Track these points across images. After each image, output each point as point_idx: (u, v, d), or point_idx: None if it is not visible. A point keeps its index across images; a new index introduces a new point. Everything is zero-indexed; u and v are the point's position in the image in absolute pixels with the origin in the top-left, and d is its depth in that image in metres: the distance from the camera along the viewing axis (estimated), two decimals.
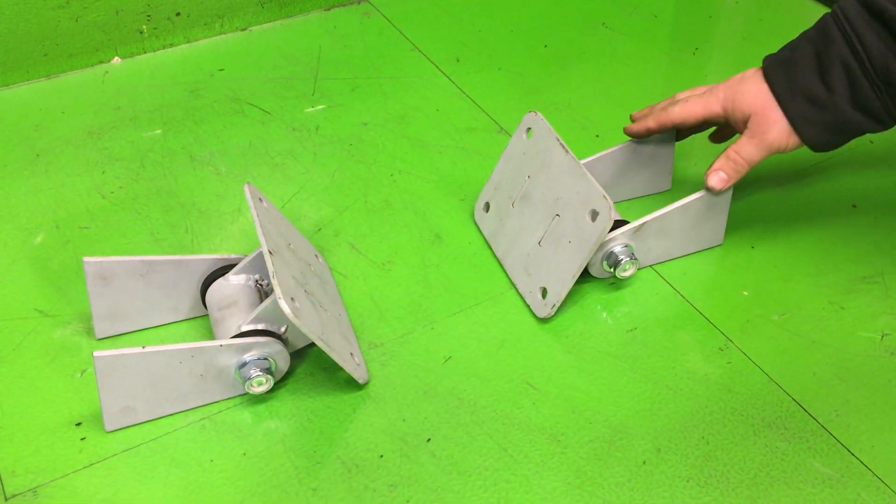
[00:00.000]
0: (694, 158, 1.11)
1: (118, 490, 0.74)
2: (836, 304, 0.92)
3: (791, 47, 0.89)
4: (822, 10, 1.40)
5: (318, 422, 0.80)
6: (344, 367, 0.79)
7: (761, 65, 0.90)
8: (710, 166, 0.90)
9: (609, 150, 0.98)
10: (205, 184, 1.05)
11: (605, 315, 0.91)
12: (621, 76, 1.26)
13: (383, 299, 0.92)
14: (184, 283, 0.86)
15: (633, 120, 1.00)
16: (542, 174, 0.91)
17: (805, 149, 0.90)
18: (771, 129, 0.87)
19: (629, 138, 0.99)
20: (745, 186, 1.06)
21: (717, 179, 0.89)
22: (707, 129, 1.00)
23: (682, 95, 0.96)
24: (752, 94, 0.88)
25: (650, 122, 0.95)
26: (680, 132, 1.00)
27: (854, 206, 1.04)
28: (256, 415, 0.80)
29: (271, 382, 0.79)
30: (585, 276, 0.92)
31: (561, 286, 0.87)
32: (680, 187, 1.06)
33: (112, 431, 0.78)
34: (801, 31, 0.90)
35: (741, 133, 0.90)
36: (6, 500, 0.73)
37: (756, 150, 0.88)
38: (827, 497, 0.75)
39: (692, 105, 0.93)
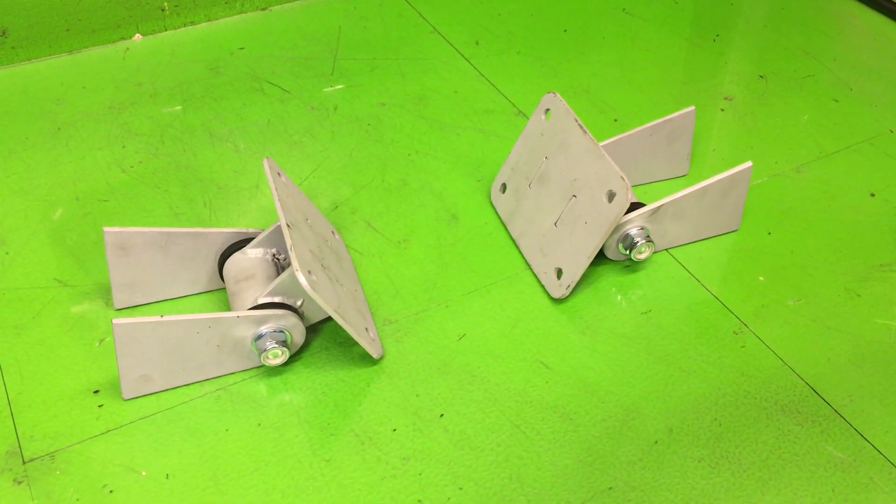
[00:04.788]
0: (712, 143, 1.11)
1: (134, 457, 0.75)
2: (853, 291, 0.92)
3: None
4: None
5: (332, 395, 0.80)
6: (359, 342, 0.80)
7: None
8: None
9: (627, 134, 0.98)
10: (223, 160, 1.06)
11: (619, 297, 0.91)
12: (641, 62, 1.26)
13: (399, 277, 0.92)
14: (202, 255, 0.87)
15: None
16: (559, 155, 0.92)
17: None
18: None
19: (648, 122, 0.98)
20: (762, 173, 1.06)
21: None
22: None
23: None
24: None
25: None
26: None
27: (872, 194, 1.04)
28: (271, 387, 0.81)
29: (287, 355, 0.80)
30: (601, 258, 0.92)
31: (576, 267, 0.88)
32: (697, 172, 1.06)
33: (129, 399, 0.79)
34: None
35: None
36: (24, 463, 0.74)
37: None
38: (839, 481, 0.75)
39: None
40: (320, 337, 0.85)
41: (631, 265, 0.94)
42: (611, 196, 0.85)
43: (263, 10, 1.34)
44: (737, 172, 0.92)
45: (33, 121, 1.11)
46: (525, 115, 1.15)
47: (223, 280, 0.88)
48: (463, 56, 1.26)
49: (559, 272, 0.89)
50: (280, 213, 0.79)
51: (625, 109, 1.16)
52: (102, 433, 0.77)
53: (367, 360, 0.83)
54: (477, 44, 1.28)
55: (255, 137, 1.10)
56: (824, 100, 1.19)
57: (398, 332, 0.86)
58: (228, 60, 1.23)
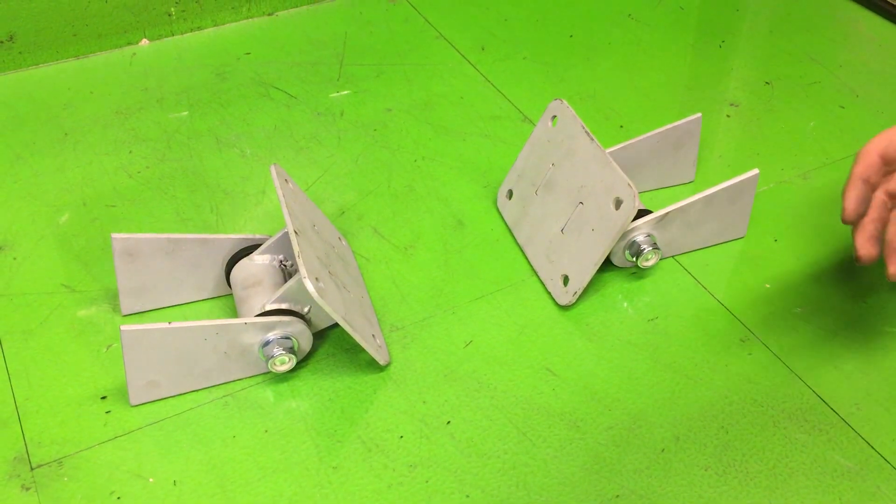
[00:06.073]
0: (718, 150, 1.11)
1: (142, 463, 0.75)
2: (859, 299, 0.91)
3: None
4: (848, 4, 1.39)
5: (339, 401, 0.80)
6: (365, 349, 0.80)
7: None
8: None
9: (633, 140, 0.98)
10: (230, 165, 1.06)
11: (626, 304, 0.91)
12: (647, 67, 1.26)
13: (405, 283, 0.92)
14: (209, 261, 0.87)
15: (852, 210, 0.78)
16: (566, 162, 0.92)
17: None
18: None
19: (654, 129, 0.98)
20: (769, 180, 1.06)
21: None
22: None
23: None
24: None
25: (858, 172, 0.78)
26: None
27: None
28: (278, 393, 0.81)
29: (294, 362, 0.80)
30: (607, 265, 0.93)
31: (583, 274, 0.88)
32: (703, 179, 1.06)
33: (137, 406, 0.79)
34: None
35: None
36: (32, 470, 0.74)
37: None
38: (846, 489, 0.75)
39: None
40: (327, 343, 0.86)
41: (637, 272, 0.94)
42: (618, 203, 0.85)
43: (270, 15, 1.35)
44: (743, 180, 0.92)
45: (40, 126, 1.12)
46: (531, 121, 1.15)
47: (230, 286, 0.88)
48: (469, 62, 1.26)
49: (566, 279, 0.89)
50: (287, 219, 0.79)
51: (631, 115, 1.17)
52: (110, 439, 0.77)
53: (373, 366, 0.83)
54: (483, 49, 1.29)
55: (261, 143, 1.10)
56: (831, 106, 1.19)
57: (405, 339, 0.86)
58: (235, 66, 1.23)
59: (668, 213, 0.90)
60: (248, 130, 1.12)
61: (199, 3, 1.28)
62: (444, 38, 1.31)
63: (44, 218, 0.98)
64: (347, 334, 0.81)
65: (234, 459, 0.76)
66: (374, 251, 0.96)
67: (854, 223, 0.79)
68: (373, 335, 0.83)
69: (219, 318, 0.87)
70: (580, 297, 0.90)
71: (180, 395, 0.80)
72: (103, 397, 0.80)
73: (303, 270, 0.74)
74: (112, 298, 0.89)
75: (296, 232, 0.78)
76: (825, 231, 1.00)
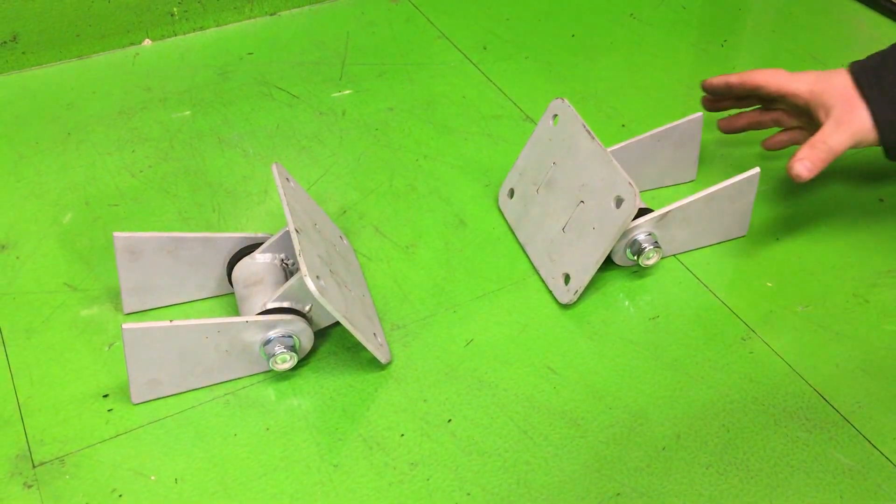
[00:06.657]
0: (719, 149, 1.11)
1: (143, 461, 0.75)
2: (861, 297, 0.91)
3: (882, 55, 0.91)
4: (850, 3, 1.39)
5: (340, 400, 0.81)
6: (367, 347, 0.80)
7: (848, 68, 0.92)
8: (794, 156, 0.89)
9: (635, 139, 0.98)
10: (232, 165, 1.07)
11: (627, 303, 0.91)
12: (648, 67, 1.26)
13: (407, 282, 0.92)
14: (211, 260, 0.87)
15: (707, 87, 1.03)
16: (567, 161, 0.92)
17: None
18: (855, 122, 0.88)
19: (655, 128, 0.98)
20: (771, 178, 1.06)
21: (802, 168, 0.88)
22: (764, 114, 1.03)
23: None
24: (840, 87, 0.90)
25: (732, 77, 0.99)
26: (743, 106, 1.04)
27: (881, 200, 1.04)
28: (280, 391, 0.81)
29: (295, 360, 0.80)
30: (608, 263, 0.93)
31: (584, 273, 0.88)
32: (705, 178, 1.06)
33: (138, 404, 0.79)
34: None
35: (821, 122, 0.91)
36: (34, 467, 0.74)
37: (842, 138, 0.89)
38: (847, 487, 0.75)
39: (778, 73, 0.95)
40: (328, 342, 0.86)
41: (639, 271, 0.94)
42: (619, 202, 0.85)
43: (272, 15, 1.35)
44: (745, 178, 0.92)
45: (43, 126, 1.12)
46: (533, 121, 1.15)
47: (232, 285, 0.88)
48: (471, 61, 1.26)
49: (567, 278, 0.89)
50: (289, 218, 0.80)
51: (632, 115, 1.17)
52: (112, 437, 0.77)
53: (375, 365, 0.84)
54: (485, 49, 1.29)
55: (263, 142, 1.10)
56: None
57: (406, 337, 0.86)
58: (237, 65, 1.24)
59: (669, 212, 0.90)
60: (250, 130, 1.12)
61: (202, 4, 1.28)
62: (446, 38, 1.31)
63: (47, 217, 0.99)
64: (349, 333, 0.82)
65: (235, 457, 0.76)
66: (375, 250, 0.96)
67: (706, 92, 1.04)
68: (374, 333, 0.83)
69: (220, 316, 0.88)
70: (581, 295, 0.90)
71: (182, 393, 0.80)
72: (105, 395, 0.80)
73: (304, 269, 0.75)
74: (114, 297, 0.89)
75: (297, 230, 0.79)
76: (827, 229, 1.00)
